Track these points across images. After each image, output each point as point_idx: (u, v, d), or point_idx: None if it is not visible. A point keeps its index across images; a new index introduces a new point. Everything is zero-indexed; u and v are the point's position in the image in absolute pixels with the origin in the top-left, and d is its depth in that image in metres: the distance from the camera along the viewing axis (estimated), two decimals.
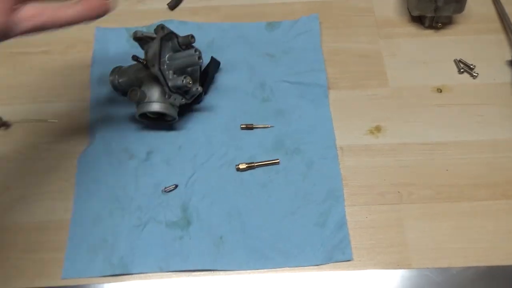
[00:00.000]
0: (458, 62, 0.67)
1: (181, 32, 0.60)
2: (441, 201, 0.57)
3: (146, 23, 0.71)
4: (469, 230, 0.55)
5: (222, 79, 0.66)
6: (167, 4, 0.73)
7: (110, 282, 0.53)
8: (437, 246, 0.54)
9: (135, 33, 0.58)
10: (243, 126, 0.62)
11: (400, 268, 0.53)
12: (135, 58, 0.56)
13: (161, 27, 0.56)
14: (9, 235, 0.56)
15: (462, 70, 0.66)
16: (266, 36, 0.70)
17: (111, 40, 0.69)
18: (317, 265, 0.54)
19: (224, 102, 0.64)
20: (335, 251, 0.54)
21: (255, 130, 0.62)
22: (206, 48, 0.68)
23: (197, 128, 0.62)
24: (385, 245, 0.55)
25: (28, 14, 0.37)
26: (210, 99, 0.65)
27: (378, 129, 0.62)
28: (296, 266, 0.53)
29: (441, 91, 0.65)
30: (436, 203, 0.57)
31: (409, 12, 0.71)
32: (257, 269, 0.54)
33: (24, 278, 0.53)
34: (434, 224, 0.56)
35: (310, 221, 0.56)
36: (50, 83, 0.67)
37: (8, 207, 0.58)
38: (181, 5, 0.74)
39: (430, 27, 0.70)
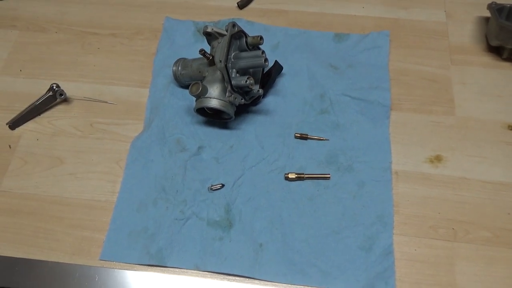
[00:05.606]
0: None
1: (248, 31, 0.59)
2: (499, 246, 0.53)
3: (214, 19, 0.71)
4: None
5: (282, 84, 0.65)
6: (237, 3, 0.72)
7: (144, 271, 0.53)
8: None
9: (205, 27, 0.57)
10: (298, 135, 0.60)
11: None
12: (202, 52, 0.55)
13: (232, 25, 0.56)
14: (56, 207, 0.57)
15: None
16: (332, 47, 0.68)
17: (178, 31, 0.70)
18: None
19: (281, 108, 0.63)
20: (377, 280, 0.51)
21: (309, 140, 0.60)
22: (270, 51, 0.67)
23: (250, 130, 0.61)
24: (431, 282, 0.51)
25: None
26: (267, 102, 0.64)
27: (438, 158, 0.59)
28: None
29: None
30: (493, 246, 0.53)
31: (487, 41, 0.67)
32: (294, 284, 0.52)
33: (63, 253, 0.54)
34: (488, 269, 0.52)
35: (355, 243, 0.53)
36: (115, 66, 0.68)
37: (58, 180, 0.59)
38: (250, 5, 0.73)
39: (508, 59, 0.66)
